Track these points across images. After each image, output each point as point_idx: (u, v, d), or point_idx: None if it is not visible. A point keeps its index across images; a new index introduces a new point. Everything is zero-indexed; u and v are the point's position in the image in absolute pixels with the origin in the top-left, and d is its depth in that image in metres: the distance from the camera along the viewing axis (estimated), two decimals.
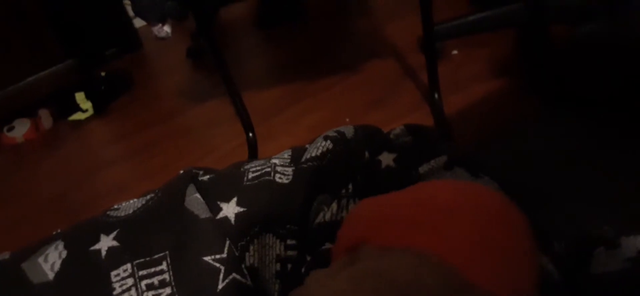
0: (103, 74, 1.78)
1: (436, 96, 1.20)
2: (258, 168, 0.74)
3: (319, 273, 0.54)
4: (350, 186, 0.73)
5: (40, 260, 0.66)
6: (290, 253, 0.67)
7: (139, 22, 2.03)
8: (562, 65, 1.21)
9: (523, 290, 0.49)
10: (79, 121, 1.66)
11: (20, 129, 1.63)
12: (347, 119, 1.27)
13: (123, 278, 0.63)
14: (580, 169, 0.82)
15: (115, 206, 0.73)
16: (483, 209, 0.53)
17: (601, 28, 1.15)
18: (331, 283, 0.47)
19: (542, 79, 1.21)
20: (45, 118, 1.67)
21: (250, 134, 1.28)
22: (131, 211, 0.71)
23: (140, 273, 0.63)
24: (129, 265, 0.64)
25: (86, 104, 1.66)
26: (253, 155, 1.23)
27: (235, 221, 0.67)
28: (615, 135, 0.88)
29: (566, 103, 1.07)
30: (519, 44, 1.36)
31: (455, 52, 1.41)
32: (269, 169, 0.73)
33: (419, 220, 0.52)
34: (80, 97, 1.66)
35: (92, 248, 0.66)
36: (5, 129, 1.64)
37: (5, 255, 0.70)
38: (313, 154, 0.77)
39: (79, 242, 0.67)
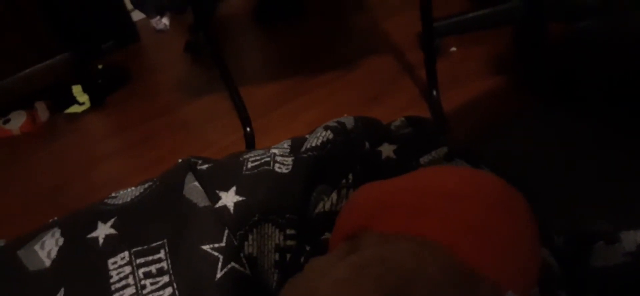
0: (100, 67, 1.77)
1: (434, 92, 1.20)
2: (257, 157, 0.74)
3: (318, 261, 0.53)
4: (350, 176, 0.72)
5: (37, 247, 0.65)
6: (289, 242, 0.66)
7: (137, 15, 2.02)
8: (559, 62, 1.22)
9: (525, 276, 0.49)
10: (75, 114, 1.65)
11: (17, 122, 1.62)
12: (345, 115, 1.27)
13: (120, 266, 0.62)
14: (576, 165, 0.82)
15: (113, 194, 0.73)
16: (486, 196, 0.53)
17: (598, 25, 1.15)
18: (332, 271, 0.46)
19: (540, 77, 1.21)
20: (42, 111, 1.66)
21: (248, 129, 1.27)
22: (129, 199, 0.71)
23: (138, 261, 0.63)
24: (126, 253, 0.63)
25: (83, 97, 1.65)
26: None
27: (234, 210, 0.66)
28: (611, 132, 0.89)
29: (563, 100, 1.07)
30: (517, 42, 1.36)
31: (453, 49, 1.40)
32: (268, 159, 0.73)
33: (421, 206, 0.51)
34: (77, 90, 1.64)
35: (90, 235, 0.66)
36: (1, 121, 1.63)
37: (1, 242, 0.69)
38: (313, 144, 0.77)
39: (76, 229, 0.67)
